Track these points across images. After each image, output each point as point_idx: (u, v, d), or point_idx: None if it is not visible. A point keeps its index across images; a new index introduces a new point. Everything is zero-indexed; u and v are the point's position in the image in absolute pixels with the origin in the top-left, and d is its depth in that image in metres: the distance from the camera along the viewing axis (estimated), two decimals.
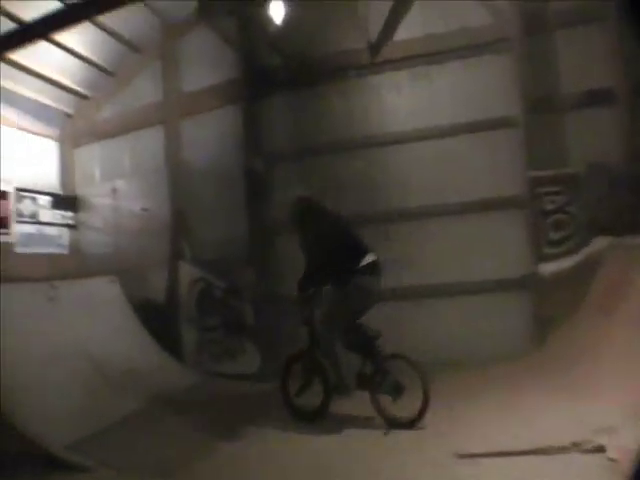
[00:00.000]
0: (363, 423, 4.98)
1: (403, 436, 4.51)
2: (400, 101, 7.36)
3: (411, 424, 4.66)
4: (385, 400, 4.84)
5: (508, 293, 6.84)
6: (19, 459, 4.74)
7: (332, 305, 5.10)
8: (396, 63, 7.32)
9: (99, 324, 6.84)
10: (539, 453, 3.62)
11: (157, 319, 7.38)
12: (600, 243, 6.22)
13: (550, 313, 6.30)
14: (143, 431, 5.43)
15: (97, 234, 9.08)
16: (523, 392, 5.14)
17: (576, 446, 3.57)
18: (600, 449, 3.47)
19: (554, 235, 6.61)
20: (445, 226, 7.08)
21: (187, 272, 7.65)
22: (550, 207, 6.62)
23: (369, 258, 5.03)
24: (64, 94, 9.36)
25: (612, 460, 3.31)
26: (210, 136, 8.26)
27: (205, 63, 8.35)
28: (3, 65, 7.60)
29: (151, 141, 8.83)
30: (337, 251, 5.02)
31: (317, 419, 5.14)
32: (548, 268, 6.56)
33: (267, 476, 4.23)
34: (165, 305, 7.65)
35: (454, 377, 5.97)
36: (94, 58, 8.86)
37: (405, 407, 4.73)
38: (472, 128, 7.01)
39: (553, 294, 6.36)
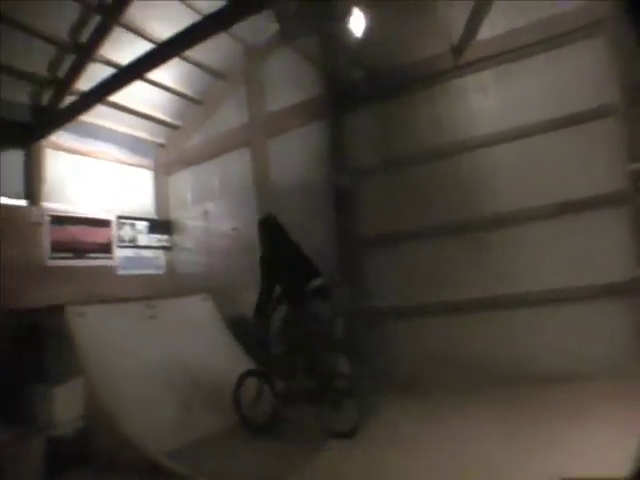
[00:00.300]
0: None
1: (503, 455, 4.20)
2: (487, 102, 7.05)
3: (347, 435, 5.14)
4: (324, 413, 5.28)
5: (611, 300, 6.18)
6: (127, 464, 4.95)
7: (283, 322, 5.71)
8: (480, 64, 7.03)
9: (194, 340, 7.00)
10: None
11: (250, 335, 7.42)
12: None
13: None
14: (238, 444, 5.48)
15: (190, 254, 9.40)
16: (633, 409, 4.58)
17: None
18: None
19: None
20: (540, 230, 6.64)
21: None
22: None
23: (317, 282, 5.47)
24: (156, 126, 9.90)
25: None
26: (296, 154, 8.37)
27: (288, 83, 8.53)
28: (103, 107, 8.20)
29: (238, 163, 9.10)
30: (287, 273, 5.57)
31: (267, 429, 5.64)
32: None
33: None
34: (255, 321, 7.67)
35: (553, 392, 5.58)
36: (183, 90, 9.33)
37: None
38: (564, 123, 6.51)
39: None
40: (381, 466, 4.50)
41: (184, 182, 10.00)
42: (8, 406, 5.86)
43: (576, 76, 6.48)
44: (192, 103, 9.70)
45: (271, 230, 6.03)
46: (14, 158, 7.96)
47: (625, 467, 3.06)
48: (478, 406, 5.64)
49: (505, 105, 6.93)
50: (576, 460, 3.79)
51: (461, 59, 7.04)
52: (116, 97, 7.76)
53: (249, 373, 6.12)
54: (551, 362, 6.22)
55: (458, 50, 6.91)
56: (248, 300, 7.72)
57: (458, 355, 6.81)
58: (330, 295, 5.62)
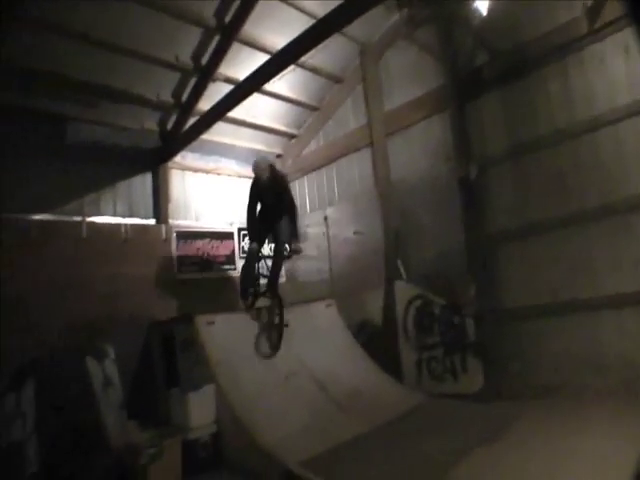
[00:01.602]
0: None
1: None
2: (630, 66, 6.09)
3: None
4: None
5: None
6: (259, 471, 4.94)
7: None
8: (620, 22, 5.95)
9: (321, 348, 6.88)
10: None
11: (376, 340, 7.21)
12: None
13: None
14: (369, 454, 5.22)
15: (312, 261, 9.34)
16: None
17: None
18: None
19: None
20: None
21: (404, 291, 7.34)
22: None
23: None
24: (274, 137, 10.04)
25: None
26: (417, 150, 8.02)
27: (406, 77, 8.22)
28: (222, 124, 8.41)
29: (357, 165, 8.93)
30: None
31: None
32: None
33: None
34: (383, 325, 7.44)
35: None
36: (299, 98, 9.34)
37: None
38: None
39: None
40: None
41: (303, 189, 10.00)
42: (146, 409, 6.14)
43: None
44: (309, 110, 9.72)
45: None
46: (143, 181, 8.41)
47: None
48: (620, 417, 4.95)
49: None
50: None
51: (598, 21, 6.19)
52: (234, 112, 7.86)
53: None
54: None
55: (594, 11, 6.11)
56: (374, 306, 7.59)
57: (601, 358, 6.05)
58: None
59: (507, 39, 7.08)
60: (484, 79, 7.29)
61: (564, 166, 6.55)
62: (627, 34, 5.94)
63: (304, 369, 6.42)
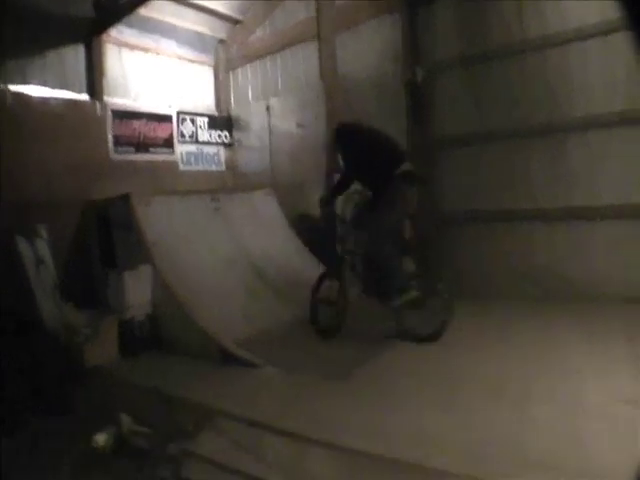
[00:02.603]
0: None
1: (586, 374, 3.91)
2: None
3: (429, 338, 4.88)
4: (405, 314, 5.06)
5: None
6: (196, 350, 5.06)
7: (377, 215, 5.21)
8: None
9: (259, 235, 6.95)
10: None
11: (313, 234, 7.32)
12: None
13: None
14: (304, 337, 5.48)
15: (252, 152, 9.22)
16: None
17: None
18: None
19: None
20: (627, 139, 5.92)
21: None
22: None
23: (405, 166, 5.11)
24: (218, 21, 9.51)
25: None
26: (366, 48, 7.85)
27: None
28: (164, 1, 7.95)
29: (304, 57, 8.68)
30: (375, 159, 5.15)
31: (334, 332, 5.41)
32: None
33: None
34: (322, 220, 7.53)
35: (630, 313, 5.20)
36: None
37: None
38: None
39: None
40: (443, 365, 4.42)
41: (246, 78, 9.68)
42: (83, 291, 6.08)
43: None
44: None
45: (350, 132, 5.64)
46: (76, 54, 7.80)
47: None
48: (556, 321, 5.28)
49: None
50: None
51: None
52: None
53: (326, 275, 5.79)
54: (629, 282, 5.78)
55: None
56: (312, 199, 7.61)
57: (531, 266, 6.46)
58: (415, 183, 5.27)
59: None
60: None
61: (513, 80, 6.64)
62: None
63: (243, 255, 6.50)
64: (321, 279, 5.71)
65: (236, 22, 9.64)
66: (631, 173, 5.86)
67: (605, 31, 5.97)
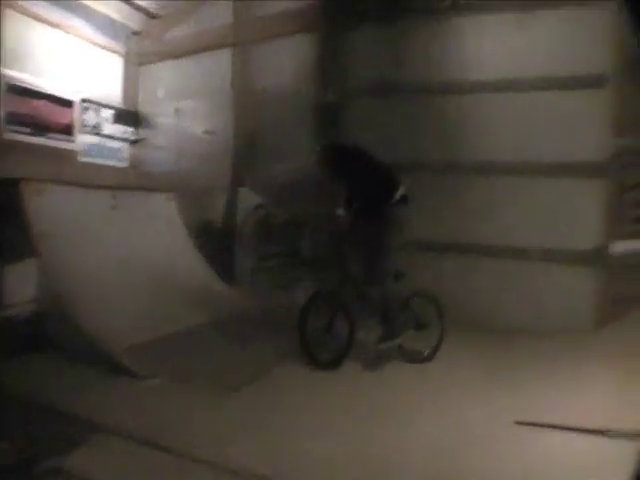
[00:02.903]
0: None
1: (463, 396, 4.34)
2: (485, 48, 6.87)
3: (428, 358, 5.12)
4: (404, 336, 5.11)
5: (575, 266, 6.33)
6: (82, 354, 4.80)
7: (378, 239, 5.11)
8: (484, 6, 6.79)
9: (156, 239, 6.81)
10: (597, 434, 3.44)
11: (213, 243, 7.30)
12: None
13: (618, 293, 5.95)
14: (194, 346, 5.42)
15: (158, 152, 9.00)
16: (587, 370, 4.88)
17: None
18: None
19: (632, 212, 6.21)
20: (516, 185, 6.64)
21: (247, 198, 7.51)
22: (632, 181, 6.20)
23: (402, 191, 5.17)
24: (134, 11, 9.22)
25: None
26: (283, 63, 7.95)
27: None
28: None
29: (220, 64, 8.57)
30: (374, 186, 5.09)
31: (337, 364, 4.91)
32: (622, 246, 6.14)
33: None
34: (222, 230, 7.54)
35: (516, 343, 5.81)
36: None
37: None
38: (557, 84, 6.46)
39: (624, 274, 5.98)
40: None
41: (157, 75, 9.39)
42: None
43: (578, 41, 6.38)
44: None
45: (348, 154, 5.35)
46: None
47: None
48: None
49: (503, 54, 6.79)
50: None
51: None
52: None
53: (318, 295, 5.18)
54: (515, 314, 6.40)
55: None
56: (215, 208, 7.60)
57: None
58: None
59: None
60: (360, 12, 7.44)
61: (417, 116, 7.06)
62: (489, 21, 6.84)
63: (141, 258, 6.33)
64: (312, 300, 5.05)
65: (153, 16, 9.41)
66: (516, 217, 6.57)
67: (515, 88, 6.71)
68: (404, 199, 5.17)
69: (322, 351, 4.94)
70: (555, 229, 6.43)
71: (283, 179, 7.48)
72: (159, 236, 6.90)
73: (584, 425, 3.53)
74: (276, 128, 7.71)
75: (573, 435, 3.48)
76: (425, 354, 5.15)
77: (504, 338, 5.93)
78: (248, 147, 7.86)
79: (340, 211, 5.09)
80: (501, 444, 3.42)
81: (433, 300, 5.30)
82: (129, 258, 6.21)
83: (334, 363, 4.88)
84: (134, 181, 8.28)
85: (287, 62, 7.94)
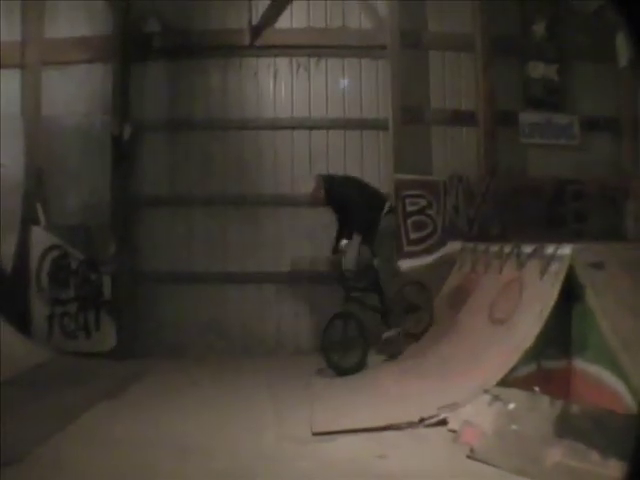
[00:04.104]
0: None
1: (258, 416, 4.75)
2: (277, 88, 7.44)
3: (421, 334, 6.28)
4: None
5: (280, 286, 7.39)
6: None
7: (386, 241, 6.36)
8: (276, 49, 7.35)
9: None
10: (392, 429, 4.14)
11: (3, 288, 6.86)
12: (454, 246, 7.05)
13: None
14: None
15: None
16: (378, 374, 5.80)
17: (423, 421, 4.17)
18: (443, 422, 4.11)
19: (414, 234, 7.14)
20: (312, 216, 7.24)
21: (40, 238, 7.08)
22: (411, 209, 7.14)
23: (388, 204, 6.46)
24: None
25: (452, 431, 3.95)
26: (75, 92, 7.57)
27: (75, 10, 7.53)
28: None
29: (4, 84, 7.79)
30: (370, 203, 6.22)
31: (358, 371, 5.99)
32: (407, 264, 7.08)
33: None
34: (13, 273, 7.08)
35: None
36: None
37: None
38: (346, 124, 7.34)
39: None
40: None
41: None
42: None
43: (361, 87, 7.37)
44: None
45: (340, 184, 6.35)
46: None
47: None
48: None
49: (295, 94, 7.43)
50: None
51: (259, 40, 7.16)
52: None
53: (337, 316, 6.22)
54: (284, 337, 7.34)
55: (257, 30, 6.95)
56: (4, 250, 7.10)
57: (225, 325, 7.38)
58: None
59: (180, 20, 7.45)
60: (152, 46, 7.45)
61: (213, 151, 7.47)
62: (281, 63, 7.45)
63: None
64: (331, 321, 6.18)
65: None
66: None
67: (295, 125, 7.40)
68: (391, 209, 6.42)
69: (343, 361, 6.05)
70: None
71: (79, 217, 7.29)
72: None
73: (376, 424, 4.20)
74: (69, 161, 7.42)
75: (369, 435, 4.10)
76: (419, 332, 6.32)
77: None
78: (39, 181, 7.42)
79: (344, 243, 6.15)
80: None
81: (422, 287, 6.52)
82: None
83: (355, 369, 5.99)
84: None
85: (79, 91, 7.59)
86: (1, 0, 7.46)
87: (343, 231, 6.34)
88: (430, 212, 7.17)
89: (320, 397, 5.16)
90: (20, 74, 7.67)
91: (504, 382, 4.14)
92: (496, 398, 3.81)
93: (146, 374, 6.15)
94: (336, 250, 6.30)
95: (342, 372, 5.91)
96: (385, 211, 6.29)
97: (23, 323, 6.78)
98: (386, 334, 6.19)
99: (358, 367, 6.00)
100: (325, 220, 6.92)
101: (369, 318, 6.30)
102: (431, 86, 7.27)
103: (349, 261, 6.04)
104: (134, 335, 7.06)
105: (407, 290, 6.49)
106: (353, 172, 7.13)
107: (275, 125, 7.40)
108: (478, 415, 3.80)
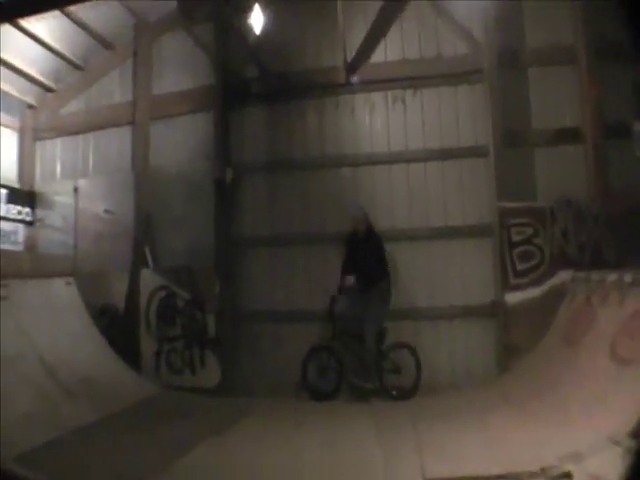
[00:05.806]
0: None
1: (371, 455, 4.50)
2: (374, 123, 7.49)
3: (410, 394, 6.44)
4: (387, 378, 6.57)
5: (474, 320, 6.96)
6: None
7: (381, 303, 6.61)
8: (372, 85, 7.44)
9: (54, 328, 6.60)
10: (510, 478, 3.69)
11: (116, 327, 7.18)
12: (564, 275, 6.49)
13: (515, 341, 6.47)
14: (97, 444, 5.26)
15: (56, 233, 8.73)
16: (491, 417, 5.27)
17: (544, 471, 3.66)
18: (567, 475, 3.58)
19: (520, 265, 6.74)
20: (413, 250, 7.16)
21: (149, 280, 7.45)
22: (517, 238, 6.76)
23: (387, 269, 6.75)
24: (28, 84, 9.01)
25: None
26: (180, 141, 8.13)
27: (178, 67, 8.22)
28: None
29: (118, 141, 8.60)
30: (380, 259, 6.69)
31: (331, 398, 6.53)
32: (514, 297, 6.68)
33: None
34: (124, 313, 7.43)
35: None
36: (63, 50, 8.56)
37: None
38: (444, 155, 7.21)
39: (518, 323, 6.54)
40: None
41: (54, 151, 9.16)
42: None
43: (459, 115, 7.21)
44: (72, 67, 8.94)
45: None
46: None
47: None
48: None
49: (391, 128, 7.43)
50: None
51: (353, 77, 7.23)
52: None
53: (315, 348, 6.85)
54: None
55: (352, 67, 7.00)
56: (117, 291, 7.49)
57: None
58: None
59: (276, 64, 7.72)
60: (251, 92, 7.83)
61: (311, 191, 7.54)
62: (377, 97, 7.51)
63: (33, 351, 6.10)
64: (310, 352, 6.78)
65: (49, 89, 9.26)
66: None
67: (393, 160, 7.38)
68: (388, 274, 6.70)
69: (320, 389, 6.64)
70: (453, 287, 7.06)
71: (184, 259, 7.55)
72: (58, 324, 6.68)
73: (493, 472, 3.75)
74: (175, 207, 7.78)
75: None
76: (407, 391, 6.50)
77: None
78: (148, 227, 7.83)
79: (349, 278, 6.58)
80: None
81: (411, 350, 6.65)
82: (20, 350, 5.95)
83: (330, 396, 6.54)
84: (29, 266, 8.00)
85: (183, 140, 8.11)
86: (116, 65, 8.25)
87: (349, 268, 6.75)
88: (537, 241, 6.75)
89: (427, 438, 4.83)
90: (131, 130, 8.29)
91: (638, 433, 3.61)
92: (630, 451, 3.33)
93: (250, 411, 6.08)
94: (343, 286, 6.71)
95: (318, 396, 6.53)
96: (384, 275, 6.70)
97: (133, 359, 7.01)
98: (365, 384, 6.59)
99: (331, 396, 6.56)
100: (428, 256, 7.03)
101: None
102: (532, 105, 7.00)
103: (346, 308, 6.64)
104: (237, 372, 7.05)
105: (395, 351, 6.70)
106: (454, 203, 7.11)
107: (372, 160, 7.42)
108: (608, 469, 3.30)
